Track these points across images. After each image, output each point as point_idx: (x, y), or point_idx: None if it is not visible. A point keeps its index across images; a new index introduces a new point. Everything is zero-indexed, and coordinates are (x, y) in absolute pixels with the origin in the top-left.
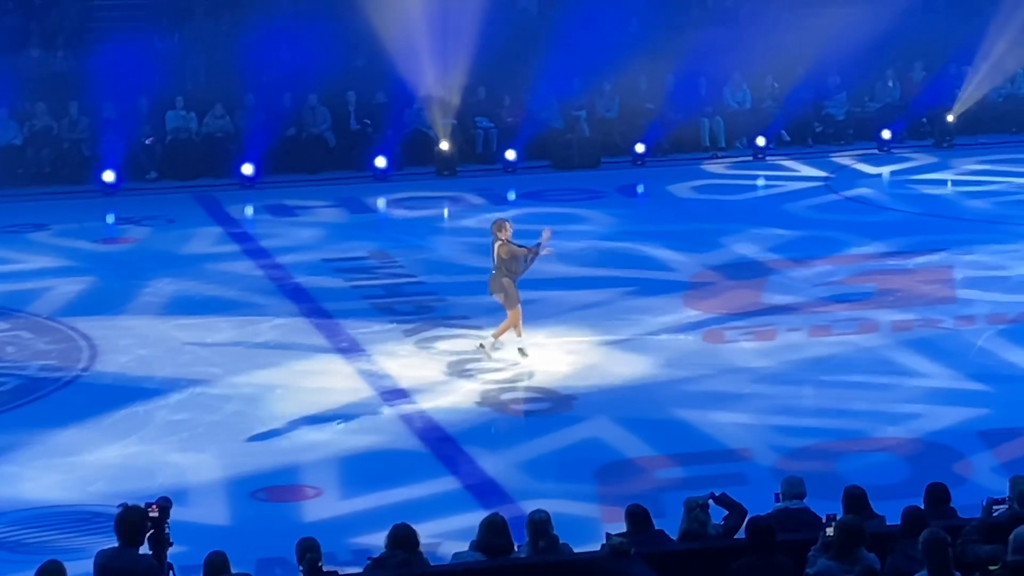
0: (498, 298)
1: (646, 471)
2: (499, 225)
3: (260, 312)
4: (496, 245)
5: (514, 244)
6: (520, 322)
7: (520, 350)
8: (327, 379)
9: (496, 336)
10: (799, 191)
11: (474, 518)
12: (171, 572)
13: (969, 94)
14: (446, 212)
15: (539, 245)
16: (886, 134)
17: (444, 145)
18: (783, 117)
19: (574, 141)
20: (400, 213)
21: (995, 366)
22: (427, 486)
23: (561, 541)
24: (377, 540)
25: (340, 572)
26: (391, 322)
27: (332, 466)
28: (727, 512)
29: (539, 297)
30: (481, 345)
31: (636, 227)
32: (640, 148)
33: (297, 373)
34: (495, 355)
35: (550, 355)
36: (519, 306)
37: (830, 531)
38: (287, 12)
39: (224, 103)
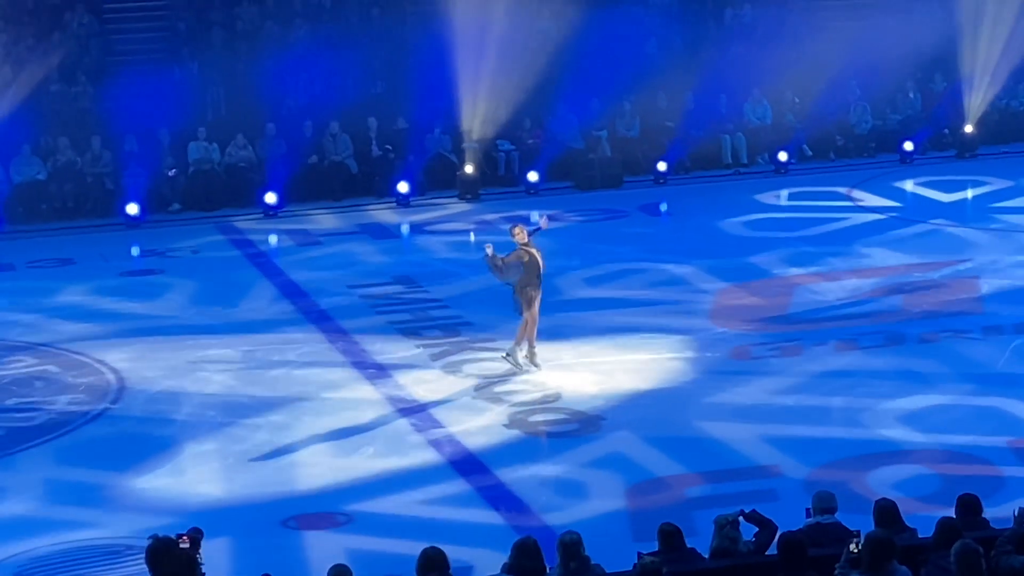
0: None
1: (676, 489)
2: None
3: (286, 340)
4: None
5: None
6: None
7: (507, 355)
8: (355, 405)
9: (520, 342)
10: (821, 207)
11: (505, 540)
12: None
13: (976, 104)
14: (472, 236)
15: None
16: (908, 146)
17: (468, 168)
18: (804, 132)
19: (596, 161)
20: (424, 237)
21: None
22: (457, 509)
23: (592, 562)
24: (408, 565)
25: None
26: (417, 347)
27: (362, 492)
28: (758, 529)
29: (565, 317)
30: (536, 365)
31: (660, 245)
32: (662, 166)
33: (324, 400)
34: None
35: (577, 375)
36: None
37: (854, 547)
38: (305, 41)
39: (245, 133)
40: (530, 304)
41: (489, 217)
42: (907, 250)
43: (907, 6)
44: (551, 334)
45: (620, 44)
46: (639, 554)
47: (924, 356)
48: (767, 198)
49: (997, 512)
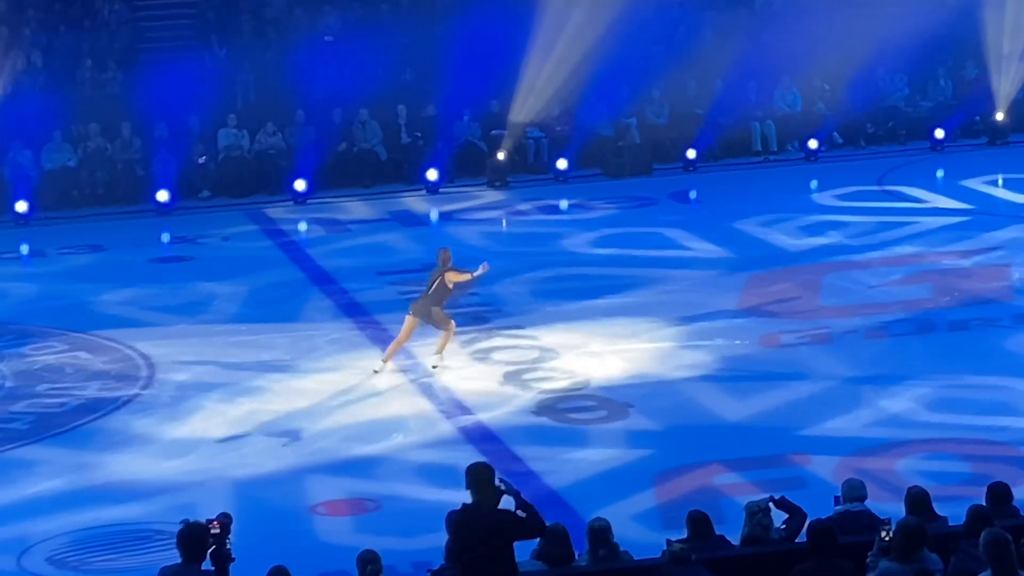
0: (422, 321)
1: (704, 477)
2: (448, 255)
3: (316, 327)
4: (446, 273)
5: (456, 270)
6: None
7: (435, 366)
8: (384, 392)
9: (440, 351)
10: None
11: None
12: None
13: (1007, 91)
14: (504, 223)
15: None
16: (939, 133)
17: (501, 155)
18: (835, 119)
19: (625, 149)
20: (453, 225)
21: None
22: None
23: (621, 549)
24: (436, 552)
25: None
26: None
27: (390, 479)
28: (787, 516)
29: (593, 305)
30: (434, 366)
31: (689, 232)
32: (691, 154)
33: (353, 386)
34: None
35: (606, 362)
36: (452, 322)
37: (885, 535)
38: (334, 28)
39: (275, 120)
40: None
41: (519, 205)
42: (939, 238)
43: None
44: (581, 321)
45: (649, 31)
46: (668, 541)
47: (954, 344)
48: (822, 198)
49: None
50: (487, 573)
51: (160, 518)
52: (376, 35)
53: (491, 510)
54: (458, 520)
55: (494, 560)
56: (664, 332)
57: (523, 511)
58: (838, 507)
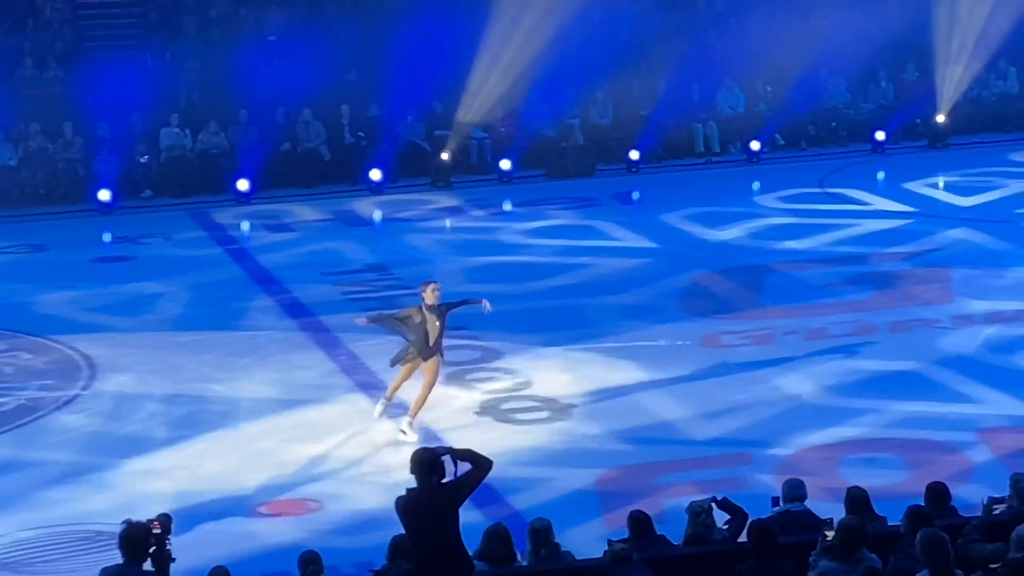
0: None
1: (646, 478)
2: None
3: (259, 328)
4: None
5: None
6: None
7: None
8: (327, 393)
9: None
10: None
11: (476, 528)
12: None
13: (948, 94)
14: (448, 223)
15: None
16: (880, 135)
17: (445, 155)
18: (777, 121)
19: (568, 149)
20: (396, 225)
21: (993, 364)
22: None
23: (563, 549)
24: (379, 552)
25: None
26: (389, 335)
27: (333, 479)
28: (729, 516)
29: (535, 304)
30: (403, 431)
31: (631, 232)
32: (634, 155)
33: (297, 388)
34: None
35: (549, 364)
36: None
37: (829, 534)
38: (278, 28)
39: (218, 120)
40: (404, 362)
41: (463, 206)
42: (879, 239)
43: None
44: (523, 322)
45: (593, 32)
46: (609, 541)
47: (894, 345)
48: (764, 199)
49: (965, 500)
50: (440, 551)
51: (101, 519)
52: (320, 35)
53: (437, 488)
54: (405, 504)
55: (445, 537)
56: (607, 332)
57: (463, 460)
58: (778, 507)
